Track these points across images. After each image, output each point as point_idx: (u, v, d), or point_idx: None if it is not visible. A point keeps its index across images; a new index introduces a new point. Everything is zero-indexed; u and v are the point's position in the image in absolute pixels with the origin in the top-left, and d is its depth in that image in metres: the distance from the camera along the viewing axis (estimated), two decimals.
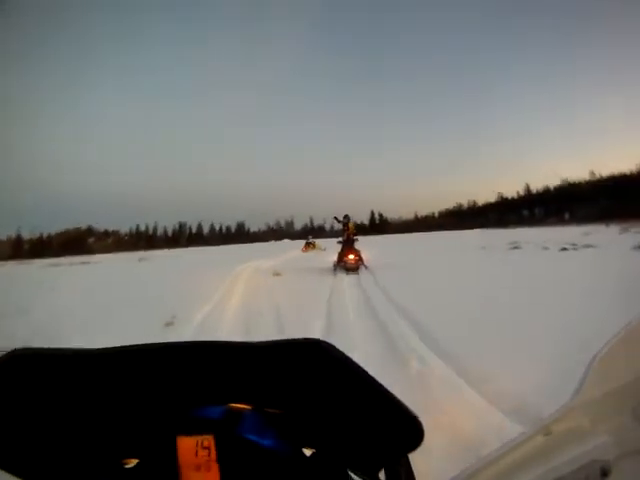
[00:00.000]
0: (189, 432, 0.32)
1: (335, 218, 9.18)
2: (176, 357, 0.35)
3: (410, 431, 0.36)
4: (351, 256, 7.61)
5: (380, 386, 0.35)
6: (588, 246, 9.68)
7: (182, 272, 9.69)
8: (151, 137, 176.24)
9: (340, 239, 8.85)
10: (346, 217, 8.91)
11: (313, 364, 0.35)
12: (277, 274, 8.02)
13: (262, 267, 10.36)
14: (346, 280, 6.66)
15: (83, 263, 20.56)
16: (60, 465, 0.31)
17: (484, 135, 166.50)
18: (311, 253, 16.26)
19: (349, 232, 8.66)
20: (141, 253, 33.17)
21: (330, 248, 17.03)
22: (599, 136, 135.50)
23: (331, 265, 8.82)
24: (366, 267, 7.84)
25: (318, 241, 22.10)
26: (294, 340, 0.35)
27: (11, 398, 0.31)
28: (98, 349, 0.33)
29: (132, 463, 0.33)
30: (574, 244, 10.36)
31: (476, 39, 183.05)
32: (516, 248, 10.39)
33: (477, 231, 36.74)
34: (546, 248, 10.11)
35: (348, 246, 8.27)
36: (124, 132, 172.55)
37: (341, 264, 7.94)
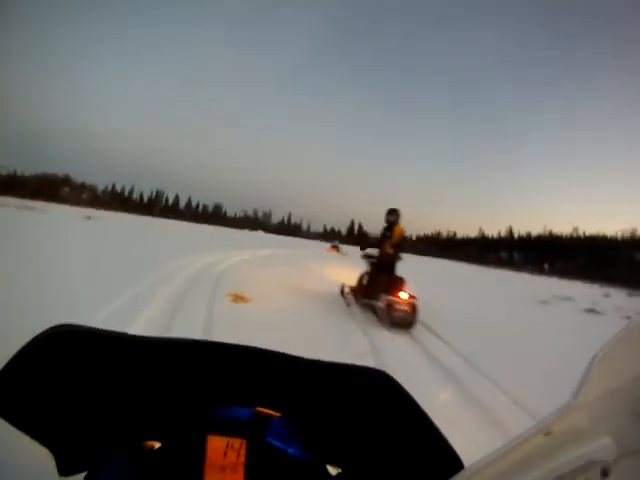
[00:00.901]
0: (220, 432, 0.31)
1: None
2: (220, 357, 0.34)
3: (447, 470, 0.34)
4: (403, 294, 3.58)
5: (432, 424, 0.34)
6: None
7: (112, 253, 6.36)
8: (148, 95, 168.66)
9: (368, 252, 4.70)
10: (393, 213, 4.51)
11: (370, 392, 0.34)
12: (239, 297, 3.91)
13: (217, 270, 6.22)
14: (405, 356, 2.72)
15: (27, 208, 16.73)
16: (84, 438, 0.31)
17: (475, 167, 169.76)
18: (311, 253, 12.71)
19: (392, 242, 4.45)
20: (96, 212, 29.49)
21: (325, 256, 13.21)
22: (591, 193, 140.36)
23: (336, 292, 5.01)
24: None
25: (294, 240, 20.89)
26: (356, 367, 0.35)
27: (49, 373, 0.31)
28: (138, 336, 0.34)
29: (154, 445, 0.32)
30: None
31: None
32: (591, 311, 7.17)
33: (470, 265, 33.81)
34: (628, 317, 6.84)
35: (388, 271, 4.19)
36: (122, 84, 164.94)
37: (374, 303, 3.88)
